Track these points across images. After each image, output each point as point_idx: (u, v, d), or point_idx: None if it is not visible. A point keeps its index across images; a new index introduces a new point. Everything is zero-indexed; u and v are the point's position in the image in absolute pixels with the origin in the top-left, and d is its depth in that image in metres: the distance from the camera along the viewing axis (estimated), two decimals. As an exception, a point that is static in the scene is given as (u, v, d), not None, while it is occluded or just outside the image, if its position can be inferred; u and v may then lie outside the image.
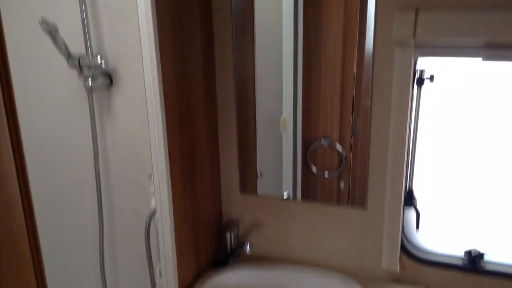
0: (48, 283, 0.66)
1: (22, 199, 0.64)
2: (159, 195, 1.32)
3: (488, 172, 1.33)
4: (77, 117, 1.70)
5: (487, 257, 1.36)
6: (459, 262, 1.37)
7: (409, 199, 1.38)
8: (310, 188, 1.50)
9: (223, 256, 1.55)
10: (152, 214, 1.53)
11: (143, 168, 1.64)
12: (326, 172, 1.45)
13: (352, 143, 1.41)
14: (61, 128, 1.75)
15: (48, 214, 1.90)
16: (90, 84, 1.53)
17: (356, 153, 1.41)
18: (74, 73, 1.63)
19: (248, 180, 1.55)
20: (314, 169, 1.46)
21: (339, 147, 1.42)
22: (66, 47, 1.50)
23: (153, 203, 1.48)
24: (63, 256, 1.94)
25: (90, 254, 1.88)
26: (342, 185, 1.43)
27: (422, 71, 1.31)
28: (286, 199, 1.51)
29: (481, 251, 1.36)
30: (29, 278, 0.56)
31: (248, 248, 1.50)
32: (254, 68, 1.44)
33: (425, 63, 1.31)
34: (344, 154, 1.42)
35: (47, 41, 1.61)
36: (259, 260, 1.57)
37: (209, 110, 1.49)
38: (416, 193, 1.39)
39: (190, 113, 1.39)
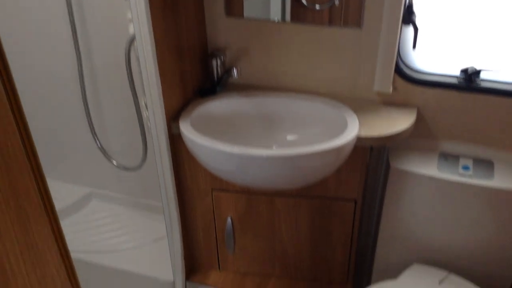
0: (31, 127, 0.59)
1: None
2: (137, 18, 1.20)
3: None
4: None
5: (483, 75, 1.32)
6: (455, 81, 1.33)
7: (408, 16, 1.28)
8: (300, 12, 1.38)
9: (210, 85, 1.49)
10: (131, 40, 1.43)
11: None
12: (317, 5, 1.33)
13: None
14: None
15: (18, 48, 1.78)
16: None
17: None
18: None
19: (233, 2, 1.42)
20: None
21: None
22: None
23: (131, 29, 1.37)
24: (43, 98, 1.87)
25: (71, 92, 1.81)
26: (336, 1, 1.31)
27: None
28: (275, 21, 1.41)
29: (478, 68, 1.31)
30: (7, 121, 0.47)
31: (235, 73, 1.43)
32: None
33: None
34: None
35: None
36: (248, 88, 1.52)
37: None
38: (416, 8, 1.29)
39: None
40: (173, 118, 1.38)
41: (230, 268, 1.67)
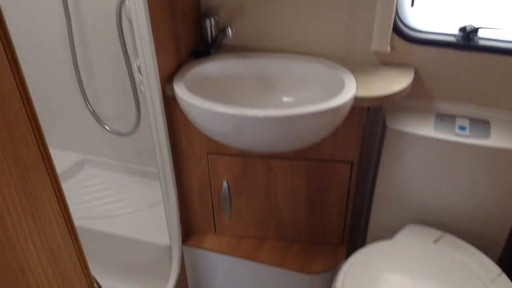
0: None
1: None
2: (128, -25, 1.16)
3: None
4: None
5: (481, 33, 1.30)
6: (453, 39, 1.32)
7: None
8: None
9: (204, 46, 1.46)
10: (122, 0, 1.38)
11: None
12: None
13: None
14: None
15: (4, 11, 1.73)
16: None
17: None
18: None
19: (226, -41, 1.38)
20: None
21: None
22: None
23: (121, -13, 1.33)
24: (32, 62, 1.83)
25: (61, 56, 1.77)
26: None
27: None
28: (270, -21, 1.37)
29: (477, 26, 1.29)
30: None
31: (230, 32, 1.40)
32: None
33: None
34: None
35: None
36: (243, 50, 1.49)
37: None
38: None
39: None
40: (167, 80, 1.35)
41: (226, 231, 1.68)
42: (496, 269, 1.33)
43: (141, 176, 1.98)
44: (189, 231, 1.70)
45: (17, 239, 0.48)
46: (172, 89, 1.31)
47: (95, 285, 0.71)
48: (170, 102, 1.38)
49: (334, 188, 1.49)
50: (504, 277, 1.31)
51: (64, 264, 0.58)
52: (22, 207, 0.48)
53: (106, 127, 1.78)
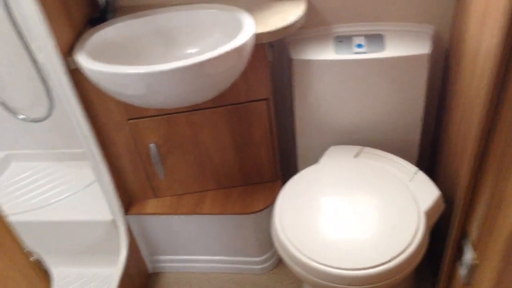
0: None
1: None
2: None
3: None
4: None
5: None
6: (335, -37, 1.38)
7: None
8: None
9: (99, 12, 1.44)
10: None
11: None
12: None
13: None
14: None
15: None
16: None
17: None
18: None
19: None
20: None
21: None
22: None
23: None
24: None
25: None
26: None
27: None
28: None
29: None
30: None
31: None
32: None
33: None
34: None
35: None
36: (138, 9, 1.48)
37: None
38: None
39: None
40: (68, 54, 1.33)
41: (165, 193, 1.71)
42: (412, 168, 1.46)
43: (69, 159, 1.95)
44: (130, 201, 1.72)
45: None
46: (75, 62, 1.30)
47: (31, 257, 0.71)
48: (77, 76, 1.36)
49: (256, 128, 1.55)
50: (421, 173, 1.44)
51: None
52: None
53: (21, 116, 1.73)
